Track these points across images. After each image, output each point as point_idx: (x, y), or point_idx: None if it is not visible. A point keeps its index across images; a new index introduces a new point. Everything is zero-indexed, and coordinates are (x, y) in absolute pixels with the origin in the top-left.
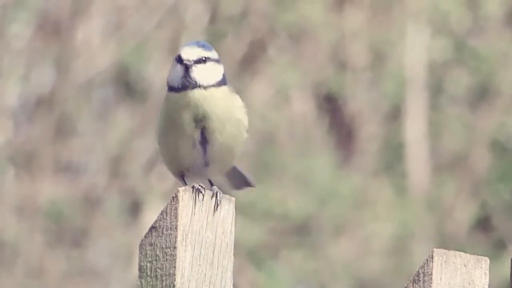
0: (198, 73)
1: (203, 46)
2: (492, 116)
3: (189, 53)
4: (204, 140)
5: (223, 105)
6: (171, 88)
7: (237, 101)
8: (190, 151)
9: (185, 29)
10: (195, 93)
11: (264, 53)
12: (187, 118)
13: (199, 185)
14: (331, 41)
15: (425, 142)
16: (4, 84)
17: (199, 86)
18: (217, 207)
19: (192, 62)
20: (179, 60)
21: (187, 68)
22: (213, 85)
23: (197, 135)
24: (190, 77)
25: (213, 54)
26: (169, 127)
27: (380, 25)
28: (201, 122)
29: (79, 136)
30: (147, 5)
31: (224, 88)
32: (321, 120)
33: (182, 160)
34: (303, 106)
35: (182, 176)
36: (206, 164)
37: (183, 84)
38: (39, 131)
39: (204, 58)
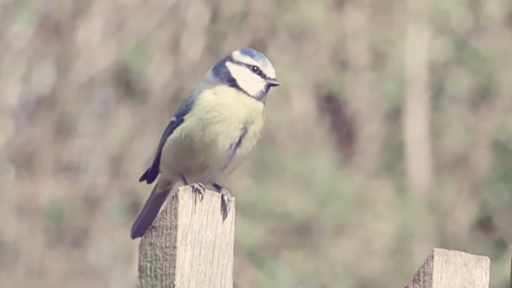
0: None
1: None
2: (492, 116)
3: (273, 73)
4: (238, 144)
5: (263, 120)
6: (235, 86)
7: None
8: (223, 151)
9: (186, 29)
10: (262, 106)
11: (264, 53)
12: (242, 120)
13: (199, 185)
14: (332, 41)
15: (426, 142)
16: (5, 84)
17: (264, 102)
18: (226, 214)
19: (276, 83)
20: (260, 73)
21: (269, 86)
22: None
23: (237, 138)
24: (267, 95)
25: None
26: (215, 122)
27: (381, 25)
28: (246, 129)
29: (79, 136)
30: (148, 5)
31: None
32: (321, 120)
33: (206, 159)
34: (303, 106)
35: (183, 176)
36: (225, 166)
37: (259, 96)
38: (40, 131)
39: None
